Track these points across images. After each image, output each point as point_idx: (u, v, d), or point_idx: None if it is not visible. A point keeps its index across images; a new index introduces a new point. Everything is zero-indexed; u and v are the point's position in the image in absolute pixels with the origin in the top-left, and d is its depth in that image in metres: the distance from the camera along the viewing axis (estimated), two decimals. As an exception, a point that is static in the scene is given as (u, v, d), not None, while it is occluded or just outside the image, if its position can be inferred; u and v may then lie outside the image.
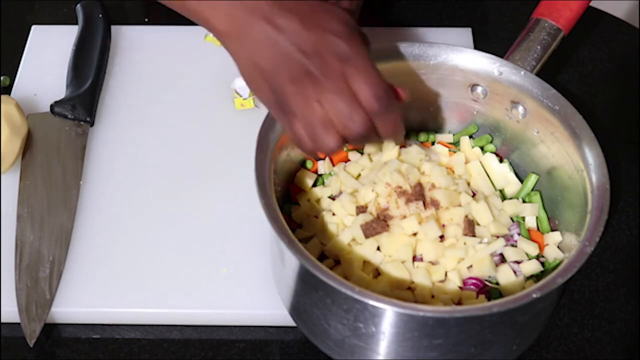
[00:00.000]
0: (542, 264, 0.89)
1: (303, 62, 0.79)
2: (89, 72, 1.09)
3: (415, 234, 0.88)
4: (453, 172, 0.94)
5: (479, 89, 0.94)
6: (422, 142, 0.98)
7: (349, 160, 0.96)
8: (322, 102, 0.79)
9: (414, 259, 0.88)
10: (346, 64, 0.79)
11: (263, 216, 0.81)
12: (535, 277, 0.88)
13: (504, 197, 0.95)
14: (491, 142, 0.98)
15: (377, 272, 0.87)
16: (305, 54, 0.79)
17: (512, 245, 0.90)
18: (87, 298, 0.93)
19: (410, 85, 0.91)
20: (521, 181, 0.96)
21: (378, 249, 0.88)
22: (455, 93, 0.96)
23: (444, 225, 0.89)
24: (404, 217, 0.88)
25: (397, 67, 0.93)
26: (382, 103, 0.80)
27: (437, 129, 0.99)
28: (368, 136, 0.82)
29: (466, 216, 0.89)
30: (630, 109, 1.12)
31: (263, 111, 0.86)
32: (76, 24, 1.14)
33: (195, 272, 0.95)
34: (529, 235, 0.91)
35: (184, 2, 0.85)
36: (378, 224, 0.87)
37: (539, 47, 0.95)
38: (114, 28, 1.15)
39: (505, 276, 0.87)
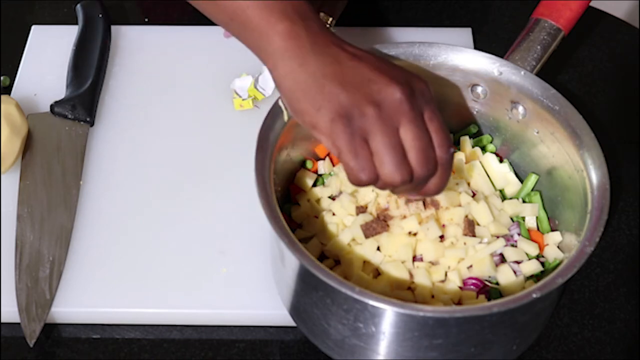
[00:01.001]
0: (542, 264, 0.89)
1: (392, 88, 0.76)
2: (89, 72, 1.09)
3: (415, 234, 0.88)
4: (453, 172, 0.94)
5: (479, 89, 0.94)
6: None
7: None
8: (404, 132, 0.77)
9: (414, 259, 0.88)
10: (427, 107, 0.78)
11: (263, 216, 0.81)
12: (535, 277, 0.88)
13: (504, 197, 0.95)
14: (491, 142, 0.98)
15: (377, 272, 0.87)
16: (397, 81, 0.76)
17: (512, 245, 0.90)
18: (87, 298, 0.93)
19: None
20: (521, 181, 0.96)
21: (378, 249, 0.88)
22: (455, 93, 0.96)
23: (444, 225, 0.89)
24: (404, 217, 0.88)
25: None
26: (451, 154, 0.79)
27: (437, 129, 0.99)
28: (424, 183, 0.79)
29: (466, 216, 0.89)
30: (630, 109, 1.12)
31: (262, 111, 0.86)
32: (76, 24, 1.14)
33: (195, 272, 0.95)
34: (529, 235, 0.91)
35: (237, 12, 0.79)
36: (378, 224, 0.87)
37: (539, 47, 0.95)
38: (114, 28, 1.15)
39: (505, 276, 0.87)
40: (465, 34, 1.16)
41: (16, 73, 1.12)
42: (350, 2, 1.14)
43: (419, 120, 0.77)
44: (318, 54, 0.77)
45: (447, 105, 0.97)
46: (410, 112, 0.77)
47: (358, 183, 0.78)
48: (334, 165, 0.96)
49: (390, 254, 0.87)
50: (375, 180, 0.78)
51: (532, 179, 0.94)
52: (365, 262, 0.87)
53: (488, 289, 0.87)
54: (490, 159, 0.95)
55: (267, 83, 1.09)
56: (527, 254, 0.90)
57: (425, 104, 0.78)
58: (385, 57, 0.81)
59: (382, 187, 0.79)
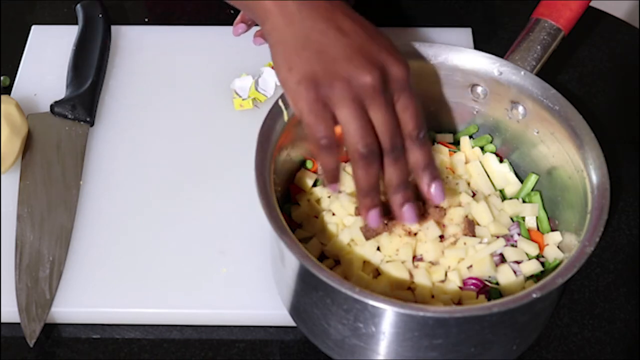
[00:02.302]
0: (542, 264, 0.89)
1: (364, 74, 0.78)
2: (89, 72, 1.09)
3: (415, 234, 0.88)
4: (453, 172, 0.94)
5: (479, 89, 0.94)
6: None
7: (349, 160, 0.96)
8: (371, 115, 0.79)
9: (414, 259, 0.88)
10: (401, 94, 0.80)
11: (263, 216, 0.81)
12: (535, 277, 0.88)
13: (504, 197, 0.95)
14: (491, 142, 0.98)
15: (377, 272, 0.87)
16: (372, 66, 0.79)
17: (512, 245, 0.90)
18: (87, 298, 0.93)
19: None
20: (521, 181, 0.96)
21: (378, 249, 0.88)
22: (455, 93, 0.96)
23: (444, 225, 0.89)
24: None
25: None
26: (422, 135, 0.81)
27: (437, 128, 0.99)
28: (396, 159, 0.81)
29: (466, 216, 0.89)
30: (630, 109, 1.12)
31: (262, 111, 0.86)
32: (76, 24, 1.14)
33: (195, 272, 0.95)
34: (529, 235, 0.91)
35: None
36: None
37: (539, 47, 0.95)
38: (114, 28, 1.15)
39: (505, 276, 0.87)
40: (465, 34, 1.16)
41: (16, 73, 1.12)
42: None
43: (388, 107, 0.79)
44: (305, 17, 0.80)
45: (447, 105, 0.97)
46: (378, 98, 0.79)
47: (316, 142, 0.80)
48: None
49: (390, 254, 0.87)
50: (332, 140, 0.80)
51: (532, 179, 0.94)
52: (365, 262, 0.87)
53: (488, 289, 0.87)
54: (490, 159, 0.95)
55: (268, 84, 1.09)
56: (527, 254, 0.89)
57: (399, 91, 0.80)
58: (373, 31, 0.82)
59: (357, 166, 0.80)
